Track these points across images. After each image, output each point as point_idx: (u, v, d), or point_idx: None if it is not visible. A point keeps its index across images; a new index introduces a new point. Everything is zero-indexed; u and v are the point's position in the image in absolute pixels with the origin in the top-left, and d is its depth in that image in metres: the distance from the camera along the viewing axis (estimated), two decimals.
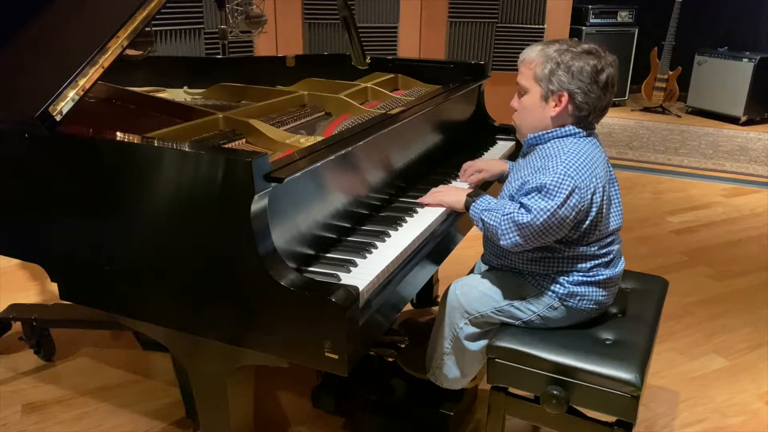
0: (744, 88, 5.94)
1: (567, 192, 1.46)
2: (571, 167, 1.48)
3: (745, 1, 6.38)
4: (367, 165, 1.68)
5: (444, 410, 1.84)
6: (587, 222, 1.54)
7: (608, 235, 1.61)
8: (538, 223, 1.48)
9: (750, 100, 5.97)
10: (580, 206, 1.49)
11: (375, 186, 1.71)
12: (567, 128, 1.57)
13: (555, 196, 1.46)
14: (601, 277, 1.61)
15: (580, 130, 1.57)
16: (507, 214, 1.52)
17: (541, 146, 1.59)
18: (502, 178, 1.90)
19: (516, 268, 1.66)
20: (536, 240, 1.52)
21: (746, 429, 2.06)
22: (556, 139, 1.57)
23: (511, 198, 1.59)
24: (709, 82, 6.23)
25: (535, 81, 1.56)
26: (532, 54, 1.57)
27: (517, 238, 1.51)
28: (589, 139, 1.58)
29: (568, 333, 1.63)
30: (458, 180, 1.94)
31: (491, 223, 1.56)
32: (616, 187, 1.64)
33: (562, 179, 1.47)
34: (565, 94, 1.53)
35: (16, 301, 2.42)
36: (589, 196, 1.50)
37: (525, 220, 1.48)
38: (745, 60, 5.93)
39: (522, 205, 1.51)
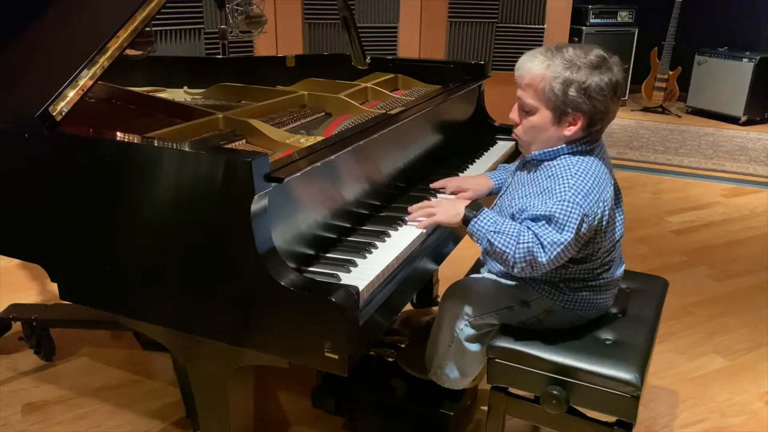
0: (744, 88, 5.94)
1: (577, 222, 1.40)
2: (578, 194, 1.41)
3: (745, 1, 6.38)
4: (367, 165, 1.68)
5: (444, 410, 1.84)
6: (591, 244, 1.52)
7: (611, 246, 1.60)
8: (552, 257, 1.42)
9: (750, 100, 5.96)
10: (588, 233, 1.45)
11: (375, 186, 1.71)
12: (580, 146, 1.50)
13: (566, 227, 1.40)
14: (602, 281, 1.61)
15: (588, 143, 1.51)
16: (523, 244, 1.42)
17: (547, 163, 1.52)
18: (489, 194, 1.84)
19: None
20: (546, 269, 1.47)
21: (746, 429, 2.06)
22: (564, 156, 1.50)
23: (512, 217, 1.54)
24: (709, 82, 6.23)
25: (544, 101, 1.45)
26: (534, 69, 1.45)
27: (529, 269, 1.45)
28: (595, 154, 1.52)
29: (568, 333, 1.63)
30: (438, 197, 1.83)
31: (503, 249, 1.44)
32: (620, 197, 1.61)
33: (572, 208, 1.40)
34: (578, 114, 1.44)
35: (16, 301, 2.42)
36: (596, 222, 1.45)
37: (542, 260, 1.42)
38: (745, 60, 5.93)
39: (534, 234, 1.42)
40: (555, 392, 1.53)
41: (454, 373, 1.76)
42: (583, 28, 6.19)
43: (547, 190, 1.46)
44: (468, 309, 1.67)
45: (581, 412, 1.58)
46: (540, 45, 5.35)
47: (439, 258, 1.71)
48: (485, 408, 1.69)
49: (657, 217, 3.82)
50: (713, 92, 6.21)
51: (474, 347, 1.70)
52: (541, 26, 5.00)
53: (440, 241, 1.65)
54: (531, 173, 1.56)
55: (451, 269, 2.22)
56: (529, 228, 1.43)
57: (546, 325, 1.64)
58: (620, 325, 1.68)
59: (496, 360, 1.60)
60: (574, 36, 6.06)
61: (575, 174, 1.44)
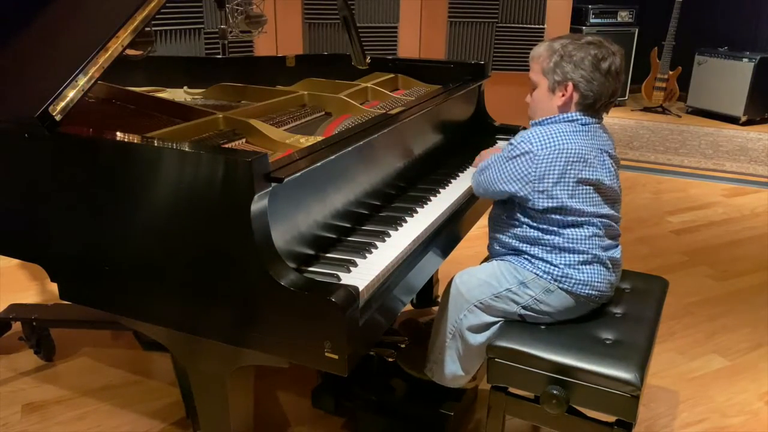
0: (744, 88, 5.93)
1: (519, 151, 1.59)
2: (535, 136, 1.59)
3: (745, 1, 6.38)
4: (367, 165, 1.68)
5: (444, 410, 1.85)
6: (544, 187, 1.58)
7: (598, 216, 1.63)
8: (487, 172, 1.66)
9: (750, 100, 5.96)
10: (528, 171, 1.58)
11: (375, 186, 1.71)
12: (567, 115, 1.64)
13: (509, 150, 1.62)
14: (594, 259, 1.62)
15: (582, 117, 1.63)
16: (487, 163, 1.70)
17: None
18: None
19: (515, 248, 1.69)
20: (483, 185, 1.69)
21: (746, 429, 2.06)
22: (553, 124, 1.64)
23: None
24: (709, 82, 6.23)
25: (543, 75, 1.65)
26: (540, 50, 1.67)
27: (476, 184, 1.73)
28: (585, 127, 1.63)
29: (568, 332, 1.63)
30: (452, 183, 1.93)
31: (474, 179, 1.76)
32: (610, 179, 1.65)
33: (521, 141, 1.60)
34: (570, 84, 1.61)
35: (16, 301, 2.42)
36: (543, 167, 1.57)
37: (479, 176, 1.71)
38: (745, 60, 5.93)
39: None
40: (555, 392, 1.53)
41: (452, 369, 1.76)
42: (583, 28, 6.19)
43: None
44: (468, 295, 1.69)
45: (581, 412, 1.58)
46: None
47: (439, 258, 1.71)
48: (485, 408, 1.69)
49: (657, 217, 3.82)
50: (713, 92, 6.21)
51: (474, 339, 1.70)
52: (541, 26, 4.99)
53: (440, 241, 1.65)
54: None
55: (451, 269, 2.22)
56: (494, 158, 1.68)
57: (546, 311, 1.64)
58: (620, 325, 1.68)
59: (496, 360, 1.60)
60: None
61: (547, 127, 1.63)
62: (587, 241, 1.62)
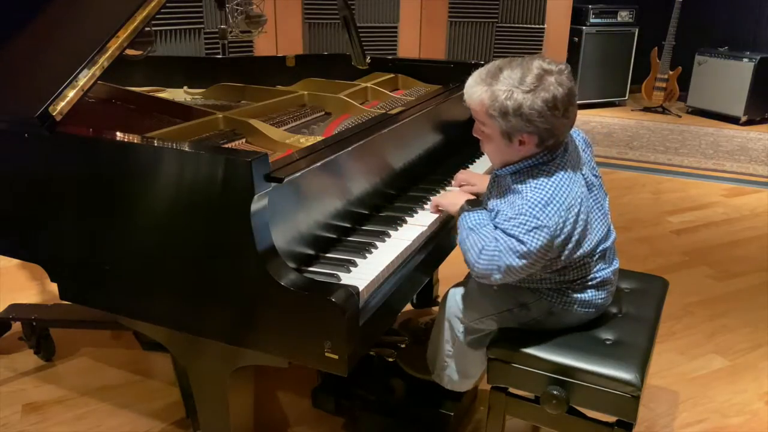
0: (744, 88, 5.93)
1: (537, 236, 1.39)
2: (536, 206, 1.40)
3: (745, 1, 6.38)
4: (367, 165, 1.68)
5: (444, 410, 1.85)
6: (567, 250, 1.48)
7: (596, 243, 1.57)
8: (510, 272, 1.42)
9: (750, 100, 5.96)
10: (552, 243, 1.41)
11: (375, 186, 1.71)
12: (536, 159, 1.47)
13: (526, 243, 1.39)
14: (597, 280, 1.60)
15: (548, 155, 1.47)
16: (486, 253, 1.42)
17: (511, 177, 1.50)
18: None
19: None
20: (502, 281, 1.46)
21: (746, 429, 2.06)
22: (524, 171, 1.48)
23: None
24: (709, 82, 6.23)
25: (491, 126, 1.45)
26: (476, 96, 1.44)
27: (484, 279, 1.45)
28: (557, 162, 1.47)
29: (568, 333, 1.63)
30: (449, 188, 1.89)
31: (468, 248, 1.46)
32: (597, 194, 1.58)
33: (528, 220, 1.39)
34: (525, 134, 1.42)
35: (16, 301, 2.42)
36: (560, 232, 1.42)
37: (496, 277, 1.43)
38: (745, 60, 5.92)
39: (497, 248, 1.42)
40: (555, 392, 1.53)
41: (458, 375, 1.76)
42: (583, 28, 6.18)
43: (509, 204, 1.46)
44: (467, 313, 1.67)
45: (581, 412, 1.58)
46: (540, 45, 5.36)
47: (439, 258, 1.71)
48: (485, 408, 1.69)
49: (657, 217, 3.82)
50: (713, 92, 6.21)
51: (476, 348, 1.70)
52: (541, 26, 5.00)
53: (440, 241, 1.65)
54: (499, 187, 1.56)
55: (451, 269, 2.22)
56: (496, 239, 1.42)
57: (546, 326, 1.64)
58: (620, 325, 1.68)
59: (496, 360, 1.60)
60: (574, 36, 6.05)
61: (533, 188, 1.43)
62: (593, 268, 1.58)
